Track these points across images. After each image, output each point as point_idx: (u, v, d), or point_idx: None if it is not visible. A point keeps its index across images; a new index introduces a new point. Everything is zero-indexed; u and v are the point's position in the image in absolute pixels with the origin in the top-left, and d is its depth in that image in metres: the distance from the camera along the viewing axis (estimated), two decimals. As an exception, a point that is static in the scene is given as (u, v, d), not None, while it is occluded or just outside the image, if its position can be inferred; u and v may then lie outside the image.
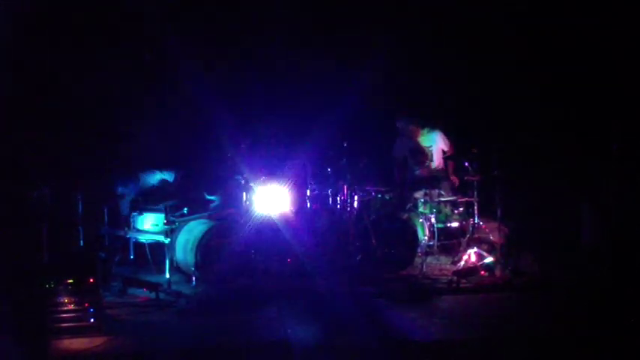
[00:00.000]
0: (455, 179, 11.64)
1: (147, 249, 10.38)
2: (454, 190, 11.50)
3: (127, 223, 10.38)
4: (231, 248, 9.88)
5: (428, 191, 11.14)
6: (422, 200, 11.19)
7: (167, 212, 9.92)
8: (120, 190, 10.67)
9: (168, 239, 9.83)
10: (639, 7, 10.93)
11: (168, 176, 10.90)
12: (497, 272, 10.13)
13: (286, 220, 10.57)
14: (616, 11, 11.15)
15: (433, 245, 10.96)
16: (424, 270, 10.39)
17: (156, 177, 10.81)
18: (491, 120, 11.89)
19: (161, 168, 10.87)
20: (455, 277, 9.92)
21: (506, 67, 12.00)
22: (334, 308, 8.98)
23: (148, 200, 10.54)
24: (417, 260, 10.67)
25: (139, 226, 10.28)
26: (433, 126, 11.78)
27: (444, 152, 11.75)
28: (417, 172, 11.77)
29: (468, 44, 12.10)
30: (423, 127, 11.79)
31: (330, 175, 11.30)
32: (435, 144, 11.70)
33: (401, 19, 11.88)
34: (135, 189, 10.68)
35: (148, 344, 7.87)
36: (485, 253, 10.35)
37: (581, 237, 10.70)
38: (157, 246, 10.22)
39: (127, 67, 11.42)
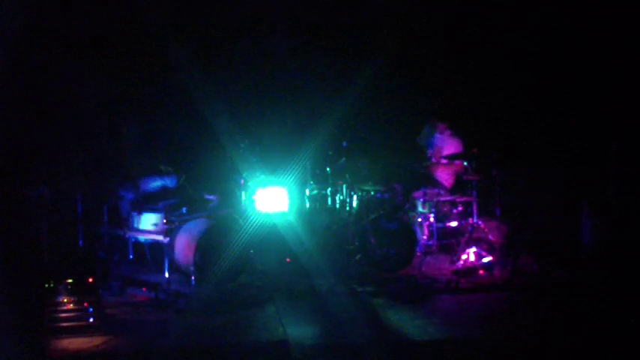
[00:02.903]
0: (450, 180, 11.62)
1: (146, 249, 10.38)
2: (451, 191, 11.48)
3: (126, 222, 10.37)
4: (231, 248, 9.87)
5: (427, 191, 11.13)
6: (421, 200, 11.19)
7: (166, 212, 9.93)
8: (120, 193, 10.66)
9: (168, 239, 9.84)
10: (638, 7, 10.94)
11: (169, 182, 10.89)
12: (497, 272, 10.14)
13: (285, 220, 10.57)
14: (615, 13, 11.16)
15: (432, 245, 10.96)
16: (423, 269, 10.40)
17: (157, 183, 10.80)
18: (490, 120, 11.90)
19: (162, 175, 10.86)
20: (454, 277, 9.94)
21: (506, 67, 12.00)
22: (333, 308, 9.00)
23: (147, 200, 10.53)
24: (416, 260, 10.67)
25: (139, 226, 10.28)
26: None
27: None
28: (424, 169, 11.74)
29: (467, 44, 12.11)
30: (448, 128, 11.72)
31: (329, 174, 11.30)
32: (442, 145, 11.63)
33: (402, 19, 11.88)
34: (136, 194, 10.68)
35: (148, 344, 7.89)
36: (484, 253, 10.36)
37: (580, 236, 10.70)
38: (156, 245, 10.22)
39: (129, 69, 11.45)
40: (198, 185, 11.11)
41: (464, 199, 10.99)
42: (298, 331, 8.19)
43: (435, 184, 11.43)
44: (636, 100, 11.05)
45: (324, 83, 12.23)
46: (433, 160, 11.58)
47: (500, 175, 10.31)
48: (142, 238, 10.29)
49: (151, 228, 10.12)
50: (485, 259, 10.29)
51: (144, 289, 9.38)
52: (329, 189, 11.38)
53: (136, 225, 10.29)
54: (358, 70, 11.88)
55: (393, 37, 11.85)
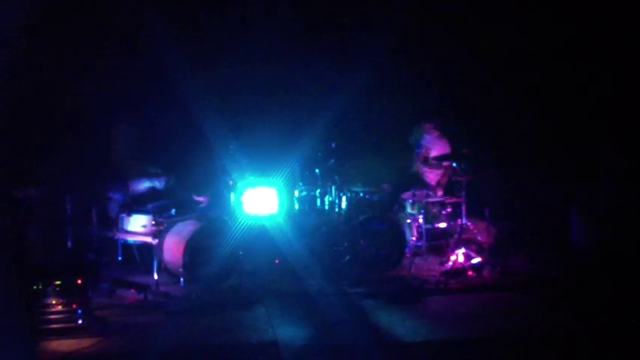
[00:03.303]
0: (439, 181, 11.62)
1: (135, 250, 10.37)
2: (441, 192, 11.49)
3: (115, 224, 10.36)
4: (220, 249, 9.86)
5: (416, 192, 11.15)
6: (410, 201, 11.20)
7: (155, 213, 9.91)
8: (110, 195, 10.66)
9: (157, 240, 9.82)
10: (629, 9, 11.00)
11: (158, 183, 10.88)
12: (486, 273, 10.15)
13: (275, 221, 10.57)
14: (607, 13, 11.22)
15: (421, 246, 10.97)
16: (412, 271, 10.41)
17: (146, 185, 10.79)
18: (480, 121, 11.92)
19: (151, 177, 10.85)
20: (443, 278, 9.95)
21: (495, 68, 12.03)
22: (323, 309, 9.00)
23: (136, 201, 10.52)
24: (405, 261, 10.68)
25: (128, 228, 10.25)
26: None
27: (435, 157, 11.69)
28: (414, 169, 11.74)
29: (458, 45, 12.13)
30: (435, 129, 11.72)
31: (318, 176, 11.30)
32: (430, 146, 11.63)
33: (391, 22, 11.89)
34: (125, 195, 10.68)
35: (137, 345, 7.88)
36: (473, 254, 10.38)
37: (569, 237, 10.73)
38: (145, 247, 10.20)
39: (119, 70, 11.44)
40: (188, 187, 11.10)
41: (453, 200, 11.00)
42: (288, 332, 8.19)
43: (425, 185, 11.45)
44: (626, 100, 11.10)
45: (313, 85, 12.23)
46: (421, 160, 11.60)
47: (489, 176, 10.32)
48: (131, 239, 10.27)
49: (140, 229, 10.10)
50: (474, 260, 10.31)
51: (133, 290, 9.34)
52: (318, 190, 11.38)
53: (125, 227, 10.26)
54: (347, 71, 11.88)
55: (382, 39, 11.85)
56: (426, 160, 11.52)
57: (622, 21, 11.13)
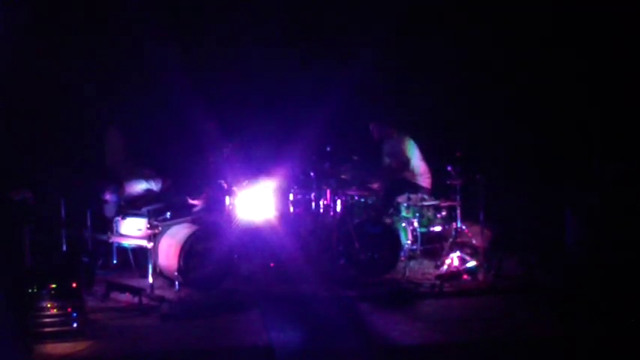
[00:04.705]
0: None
1: (130, 253, 10.36)
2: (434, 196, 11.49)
3: (110, 227, 10.34)
4: (215, 252, 9.86)
5: (410, 195, 11.15)
6: (405, 204, 11.20)
7: (150, 216, 9.91)
8: (104, 197, 10.65)
9: (151, 243, 9.81)
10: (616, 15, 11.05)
11: (154, 186, 10.87)
12: (481, 276, 10.15)
13: (269, 225, 10.57)
14: (595, 18, 11.25)
15: (416, 249, 10.97)
16: (407, 274, 10.41)
17: (141, 187, 10.79)
18: (474, 124, 11.93)
19: (147, 179, 10.85)
20: (438, 281, 9.95)
21: (487, 70, 12.04)
22: (317, 312, 9.00)
23: (131, 204, 10.51)
24: (400, 264, 10.68)
25: (122, 231, 10.25)
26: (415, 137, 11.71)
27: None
28: (399, 176, 11.73)
29: (449, 47, 12.15)
30: (399, 134, 11.70)
31: (313, 179, 11.30)
32: (415, 154, 11.62)
33: (381, 25, 11.91)
34: (120, 198, 10.68)
35: (131, 349, 7.87)
36: (468, 257, 10.39)
37: (564, 239, 10.74)
38: (140, 250, 10.19)
39: (113, 72, 11.44)
40: (183, 190, 11.09)
41: (447, 203, 11.01)
42: (282, 336, 8.18)
43: (417, 188, 11.44)
44: (618, 102, 11.13)
45: (308, 88, 12.24)
46: (394, 166, 11.60)
47: (483, 179, 10.32)
48: (125, 242, 10.27)
49: (134, 233, 10.10)
50: (469, 264, 10.31)
51: (127, 293, 9.32)
52: (313, 193, 11.37)
53: (119, 229, 10.26)
54: (342, 74, 11.89)
55: (377, 42, 11.87)
56: (405, 166, 11.52)
57: (612, 26, 11.17)
